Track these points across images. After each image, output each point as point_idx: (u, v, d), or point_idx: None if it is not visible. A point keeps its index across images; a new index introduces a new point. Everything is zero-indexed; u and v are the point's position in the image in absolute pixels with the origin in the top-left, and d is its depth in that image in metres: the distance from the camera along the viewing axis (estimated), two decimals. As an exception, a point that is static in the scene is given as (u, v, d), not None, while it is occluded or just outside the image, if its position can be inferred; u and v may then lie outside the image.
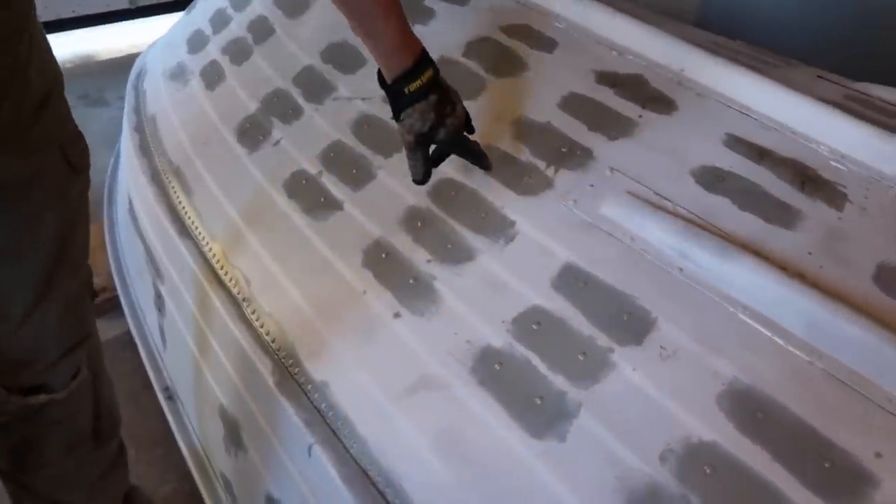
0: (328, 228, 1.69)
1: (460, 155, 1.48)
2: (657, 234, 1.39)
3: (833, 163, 1.54)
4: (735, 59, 1.78)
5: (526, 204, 1.54)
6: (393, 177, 1.73)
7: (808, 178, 1.50)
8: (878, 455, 1.05)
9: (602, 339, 1.28)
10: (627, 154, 1.60)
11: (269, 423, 1.55)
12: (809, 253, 1.34)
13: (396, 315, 1.45)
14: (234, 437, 1.76)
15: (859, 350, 1.15)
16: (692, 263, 1.34)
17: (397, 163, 1.75)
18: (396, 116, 1.28)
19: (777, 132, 1.61)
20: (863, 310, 1.21)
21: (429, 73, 1.22)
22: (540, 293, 1.38)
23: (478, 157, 1.49)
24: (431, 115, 1.26)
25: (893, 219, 1.40)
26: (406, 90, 1.22)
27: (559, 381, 1.25)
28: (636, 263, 1.37)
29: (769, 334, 1.22)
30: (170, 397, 2.25)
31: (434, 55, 1.29)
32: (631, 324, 1.28)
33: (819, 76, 2.05)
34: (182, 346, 2.04)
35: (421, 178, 1.41)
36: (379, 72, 1.26)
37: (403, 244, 1.56)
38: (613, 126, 1.67)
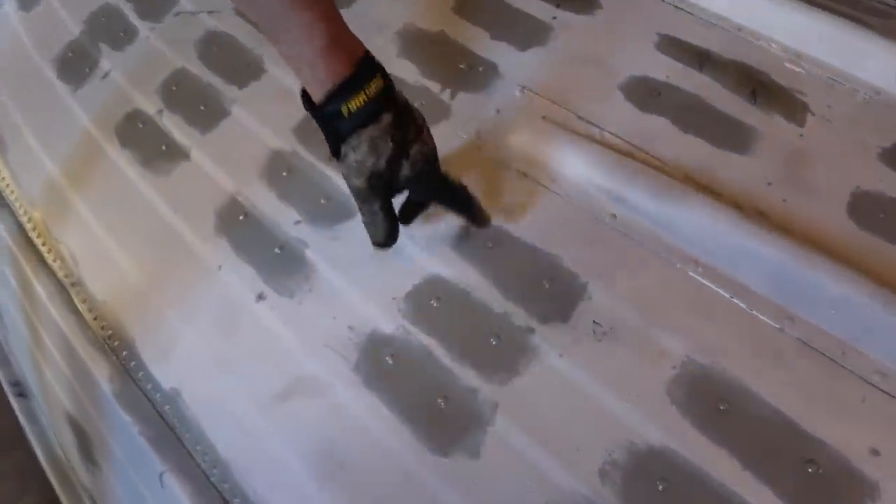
0: (172, 185, 1.31)
1: (441, 203, 1.01)
2: (583, 171, 1.09)
3: (788, 64, 1.26)
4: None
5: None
6: (251, 112, 1.35)
7: (759, 86, 1.22)
8: (874, 452, 0.82)
9: (519, 317, 0.99)
10: (540, 67, 1.27)
11: (115, 441, 1.22)
12: (769, 183, 1.07)
13: (260, 297, 1.12)
14: (85, 450, 1.42)
15: (840, 309, 0.90)
16: (627, 208, 1.05)
17: (256, 93, 1.37)
18: (335, 151, 0.87)
19: (720, 30, 1.32)
20: (840, 255, 0.95)
21: (377, 83, 0.82)
22: (440, 259, 1.07)
23: (467, 206, 1.00)
24: (388, 145, 0.84)
25: (863, 131, 1.14)
26: (344, 110, 0.81)
27: (467, 376, 0.96)
28: (558, 212, 1.08)
29: (727, 296, 0.96)
30: (21, 394, 1.87)
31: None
32: (554, 294, 1.00)
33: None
34: (19, 336, 1.66)
35: (383, 241, 0.97)
36: (303, 91, 0.85)
37: (266, 201, 1.22)
38: (522, 32, 1.33)
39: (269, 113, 1.33)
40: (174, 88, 1.45)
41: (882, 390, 0.86)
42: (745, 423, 0.86)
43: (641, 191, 1.04)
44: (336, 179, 1.20)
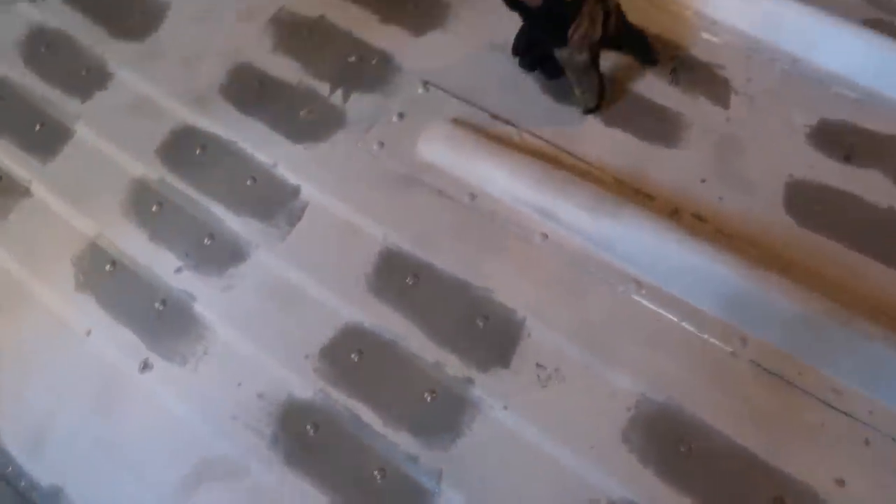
0: (12, 230, 1.08)
1: (629, 48, 1.09)
2: (506, 185, 0.97)
3: (705, 34, 1.16)
4: None
5: (310, 156, 1.03)
6: (100, 131, 1.12)
7: (680, 63, 1.12)
8: (840, 482, 0.78)
9: (454, 366, 0.88)
10: (443, 55, 1.12)
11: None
12: (703, 180, 0.99)
13: (145, 366, 0.94)
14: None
15: (791, 327, 0.85)
16: (559, 225, 0.94)
17: (104, 106, 1.14)
18: (558, 37, 0.93)
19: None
20: (783, 258, 0.90)
21: None
22: (355, 303, 0.93)
23: (646, 47, 1.10)
24: (599, 12, 0.95)
25: (787, 107, 1.07)
26: None
27: (404, 442, 0.85)
28: (483, 236, 0.95)
29: (675, 319, 0.88)
30: None
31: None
32: (491, 334, 0.89)
33: None
34: None
35: (598, 102, 1.04)
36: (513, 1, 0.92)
37: (136, 245, 1.02)
38: (416, 13, 1.16)
39: (123, 130, 1.11)
40: (-1, 104, 1.19)
41: (840, 410, 0.82)
42: (707, 465, 0.80)
43: (573, 206, 0.93)
44: (220, 211, 1.02)
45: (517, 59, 1.06)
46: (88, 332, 0.98)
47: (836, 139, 1.05)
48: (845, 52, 1.13)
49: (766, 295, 0.85)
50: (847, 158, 1.03)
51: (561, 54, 0.96)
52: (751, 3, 1.15)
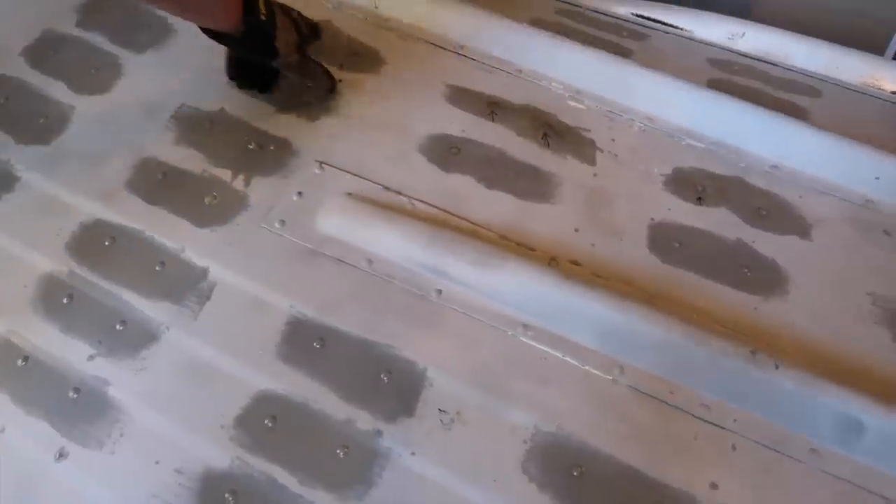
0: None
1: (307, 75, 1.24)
2: (400, 249, 1.06)
3: (571, 102, 1.31)
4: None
5: (216, 238, 1.09)
6: (6, 231, 1.15)
7: (549, 128, 1.26)
8: (714, 486, 0.87)
9: (364, 420, 0.94)
10: (336, 137, 1.22)
11: None
12: (577, 230, 1.10)
13: (61, 455, 0.96)
14: None
15: (660, 352, 0.95)
16: (451, 281, 1.03)
17: (12, 209, 1.17)
18: (269, 51, 1.10)
19: (503, 74, 1.34)
20: (652, 292, 1.01)
21: None
22: (266, 371, 0.98)
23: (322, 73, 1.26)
24: (291, 17, 1.14)
25: (645, 160, 1.22)
26: (260, 16, 1.06)
27: (321, 499, 0.89)
28: (382, 296, 1.03)
29: (560, 355, 0.97)
30: None
31: None
32: (395, 387, 0.96)
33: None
34: None
35: (331, 84, 1.25)
36: (214, 33, 1.06)
37: (47, 338, 1.05)
38: (307, 102, 1.26)
39: (31, 229, 1.15)
40: None
41: (709, 422, 0.92)
42: (598, 484, 0.88)
43: (462, 262, 1.02)
44: (131, 297, 1.06)
45: (234, 83, 1.22)
46: (2, 429, 0.99)
47: (689, 184, 1.19)
48: (692, 110, 1.29)
49: (636, 326, 0.96)
50: (699, 200, 1.17)
51: (279, 63, 1.13)
52: (605, 72, 1.31)
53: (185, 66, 1.31)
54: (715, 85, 1.42)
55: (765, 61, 1.61)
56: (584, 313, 0.97)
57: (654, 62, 1.39)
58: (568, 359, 0.97)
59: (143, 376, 1.00)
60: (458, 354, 0.98)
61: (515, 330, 0.99)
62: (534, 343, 0.98)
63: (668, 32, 1.64)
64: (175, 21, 1.37)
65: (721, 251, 1.09)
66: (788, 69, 1.57)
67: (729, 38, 1.65)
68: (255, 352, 0.99)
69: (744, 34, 1.64)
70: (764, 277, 1.06)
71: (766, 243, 1.11)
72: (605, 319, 0.96)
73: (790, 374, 0.92)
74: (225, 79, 1.26)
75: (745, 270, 1.07)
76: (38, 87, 1.30)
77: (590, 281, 1.01)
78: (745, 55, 1.60)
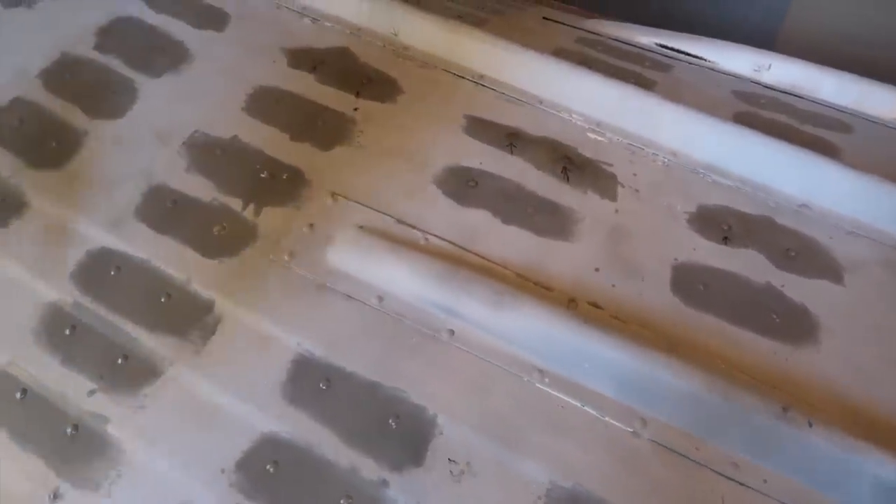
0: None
1: None
2: (411, 286, 1.02)
3: (591, 134, 1.27)
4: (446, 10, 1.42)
5: (223, 270, 1.06)
6: (13, 258, 1.13)
7: (568, 162, 1.22)
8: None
9: (369, 468, 0.89)
10: (349, 168, 1.19)
11: None
12: (597, 269, 1.06)
13: (55, 496, 0.93)
14: None
15: (686, 405, 0.89)
16: (464, 321, 0.99)
17: (19, 231, 1.15)
18: None
19: (523, 105, 1.31)
20: (673, 338, 0.96)
21: None
22: (270, 413, 0.94)
23: None
24: None
25: (669, 196, 1.17)
26: None
27: (322, 552, 0.84)
28: (392, 336, 0.99)
29: (578, 404, 0.93)
30: None
31: None
32: (403, 433, 0.91)
33: (544, 17, 1.79)
34: None
35: None
36: None
37: (48, 370, 1.01)
38: (324, 128, 1.24)
39: (37, 256, 1.12)
40: None
41: (738, 482, 0.87)
42: (619, 547, 0.83)
43: (476, 302, 0.98)
44: (134, 330, 1.03)
45: None
46: (-4, 467, 0.95)
47: (715, 223, 1.14)
48: (718, 145, 1.24)
49: (659, 375, 0.91)
50: (725, 240, 1.12)
51: None
52: (627, 104, 1.27)
53: (201, 92, 1.29)
54: (741, 118, 1.37)
55: (792, 94, 1.56)
56: (603, 360, 0.92)
57: (678, 94, 1.35)
58: (587, 408, 0.92)
59: (144, 414, 0.97)
60: (470, 400, 0.93)
61: (531, 375, 0.95)
62: (550, 390, 0.94)
63: (691, 63, 1.60)
64: (192, 45, 1.36)
65: (748, 295, 1.04)
66: (817, 102, 1.53)
67: (755, 70, 1.61)
68: (260, 391, 0.95)
69: (770, 66, 1.60)
70: (794, 324, 1.01)
71: (796, 287, 1.06)
72: (626, 367, 0.91)
73: (824, 432, 0.86)
74: (240, 104, 1.24)
75: (774, 316, 1.01)
76: (52, 111, 1.29)
77: (610, 325, 0.96)
78: (771, 87, 1.56)
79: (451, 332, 0.99)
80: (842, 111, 1.49)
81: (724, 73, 1.58)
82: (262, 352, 0.99)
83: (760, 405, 0.87)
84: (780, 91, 1.55)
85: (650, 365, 0.91)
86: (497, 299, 0.97)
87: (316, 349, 0.98)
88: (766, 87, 1.56)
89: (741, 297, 1.03)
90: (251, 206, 1.14)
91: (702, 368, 0.91)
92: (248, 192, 1.15)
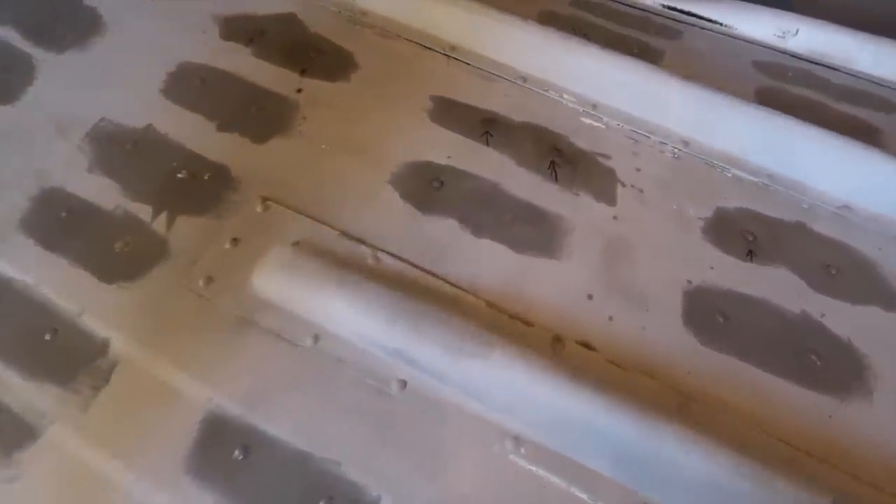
0: None
1: None
2: (356, 324, 0.80)
3: (585, 119, 1.05)
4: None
5: (124, 299, 0.85)
6: None
7: (557, 155, 1.00)
8: None
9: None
10: (288, 165, 0.97)
11: None
12: (590, 297, 0.84)
13: None
14: None
15: (702, 489, 0.69)
16: (419, 370, 0.77)
17: None
18: None
19: (503, 83, 1.08)
20: (685, 388, 0.75)
21: None
22: (169, 486, 0.74)
23: None
24: None
25: (679, 197, 0.95)
26: None
27: None
28: (327, 386, 0.78)
29: (564, 484, 0.72)
30: None
31: None
32: (337, 525, 0.70)
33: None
34: None
35: None
36: None
37: None
38: (260, 115, 1.01)
39: None
40: None
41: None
42: None
43: (434, 346, 0.77)
44: (9, 377, 0.82)
45: None
46: None
47: (736, 231, 0.93)
48: (739, 132, 1.02)
49: (668, 451, 0.70)
50: (750, 254, 0.90)
51: None
52: (631, 82, 1.04)
53: (112, 71, 1.07)
54: (764, 96, 1.15)
55: (823, 64, 1.33)
56: (598, 428, 0.72)
57: (690, 67, 1.12)
58: (574, 490, 0.72)
59: (15, 487, 0.76)
60: (426, 476, 0.72)
61: (503, 444, 0.74)
62: (527, 464, 0.73)
63: (705, 28, 1.36)
64: (106, 12, 1.12)
65: (780, 328, 0.83)
66: (853, 75, 1.30)
67: (779, 36, 1.38)
68: (158, 461, 0.75)
69: (797, 31, 1.36)
70: (838, 367, 0.80)
71: (839, 316, 0.84)
72: (627, 439, 0.71)
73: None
74: (158, 87, 1.02)
75: (813, 357, 0.80)
76: (-68, 94, 1.06)
77: (605, 375, 0.75)
78: (798, 56, 1.33)
79: (403, 383, 0.78)
80: (883, 85, 1.26)
81: (744, 39, 1.35)
82: (165, 408, 0.78)
83: (804, 497, 0.66)
84: (810, 61, 1.32)
85: (656, 436, 0.70)
86: (461, 344, 0.76)
87: (232, 406, 0.77)
88: (793, 55, 1.33)
89: (771, 332, 0.82)
90: (163, 216, 0.92)
91: (723, 439, 0.70)
92: (161, 198, 0.93)
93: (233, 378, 0.79)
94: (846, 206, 0.97)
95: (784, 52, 1.35)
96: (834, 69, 1.32)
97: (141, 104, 1.03)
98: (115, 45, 1.10)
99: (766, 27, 1.38)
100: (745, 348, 0.81)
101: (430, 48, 1.13)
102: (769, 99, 1.17)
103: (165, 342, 0.82)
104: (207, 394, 0.79)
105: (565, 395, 0.72)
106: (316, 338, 0.81)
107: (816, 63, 1.34)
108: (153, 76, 1.05)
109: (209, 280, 0.86)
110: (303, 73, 1.07)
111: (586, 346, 0.80)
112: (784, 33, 1.37)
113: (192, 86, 1.05)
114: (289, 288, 0.83)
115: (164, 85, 1.05)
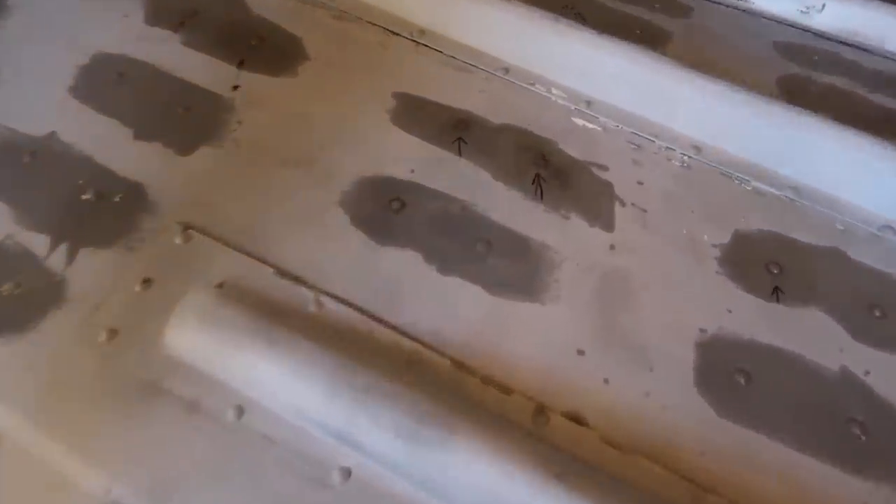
0: None
1: None
2: (290, 392, 0.64)
3: (578, 119, 0.88)
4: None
5: (7, 356, 0.69)
6: None
7: (543, 165, 0.83)
8: None
9: None
10: (215, 181, 0.80)
11: None
12: (580, 352, 0.68)
13: None
14: None
15: None
16: (366, 455, 0.62)
17: None
18: None
19: (481, 74, 0.90)
20: (700, 482, 0.60)
21: None
22: None
23: None
24: None
25: (689, 217, 0.78)
26: None
27: None
28: (252, 473, 0.63)
29: None
30: None
31: None
32: None
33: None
34: None
35: None
36: None
37: None
38: (188, 120, 0.84)
39: None
40: None
41: None
42: None
43: (383, 427, 0.61)
44: None
45: None
46: None
47: (758, 262, 0.77)
48: (759, 136, 0.85)
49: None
50: (776, 292, 0.74)
51: None
52: (633, 72, 0.87)
53: (10, 64, 0.89)
54: (788, 86, 0.98)
55: (854, 45, 1.15)
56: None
57: (702, 53, 0.95)
58: None
59: None
60: None
61: (469, 553, 0.59)
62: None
63: (718, 3, 1.19)
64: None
65: (814, 392, 0.67)
66: (889, 58, 1.12)
67: (802, 12, 1.20)
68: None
69: (823, 5, 1.18)
70: (888, 444, 0.64)
71: (888, 375, 0.68)
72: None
73: None
74: (66, 83, 0.84)
75: (857, 431, 0.65)
76: None
77: (600, 457, 0.60)
78: (825, 36, 1.16)
79: (347, 472, 0.62)
80: (924, 71, 1.09)
81: (762, 16, 1.17)
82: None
83: None
84: (838, 41, 1.15)
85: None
86: (416, 427, 0.60)
87: (135, 500, 0.62)
88: (819, 34, 1.16)
89: (804, 397, 0.66)
90: (62, 248, 0.75)
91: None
92: (61, 225, 0.77)
93: (136, 462, 0.64)
94: (889, 227, 0.81)
95: (808, 29, 1.17)
96: (866, 50, 1.15)
97: (43, 106, 0.85)
98: (16, 32, 0.92)
99: (787, 1, 1.20)
100: (772, 420, 0.65)
101: (394, 32, 0.95)
102: (794, 90, 1.00)
103: (56, 415, 0.66)
104: (106, 483, 0.63)
105: (548, 495, 0.57)
106: (240, 410, 0.65)
107: (846, 43, 1.16)
108: (61, 71, 0.88)
109: (112, 333, 0.69)
110: (241, 65, 0.89)
111: (575, 419, 0.64)
112: (808, 8, 1.20)
113: (107, 82, 0.88)
114: (208, 345, 0.67)
115: (74, 81, 0.88)
